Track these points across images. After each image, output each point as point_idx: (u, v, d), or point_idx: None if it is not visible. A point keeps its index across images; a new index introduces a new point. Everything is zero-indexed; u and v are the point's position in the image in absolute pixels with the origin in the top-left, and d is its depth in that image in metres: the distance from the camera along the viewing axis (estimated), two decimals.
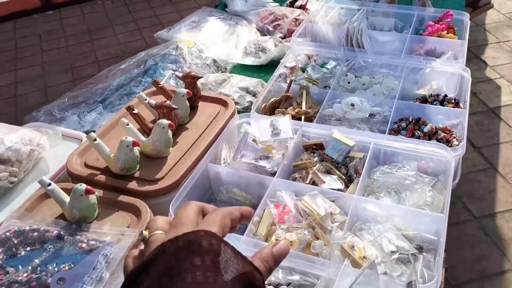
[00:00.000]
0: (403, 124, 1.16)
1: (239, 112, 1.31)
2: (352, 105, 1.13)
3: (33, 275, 0.77)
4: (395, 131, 1.14)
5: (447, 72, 1.30)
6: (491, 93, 2.72)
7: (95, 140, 0.98)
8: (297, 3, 1.86)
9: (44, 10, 3.97)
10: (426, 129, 1.13)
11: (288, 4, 1.89)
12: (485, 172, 2.27)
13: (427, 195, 0.94)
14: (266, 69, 1.58)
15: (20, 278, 0.76)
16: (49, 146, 1.10)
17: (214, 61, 1.57)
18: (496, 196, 2.15)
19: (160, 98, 1.17)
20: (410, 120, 1.17)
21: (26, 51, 3.46)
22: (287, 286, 0.79)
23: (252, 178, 1.01)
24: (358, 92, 1.24)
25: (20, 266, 0.78)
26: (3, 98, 2.97)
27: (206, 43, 1.64)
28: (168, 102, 1.05)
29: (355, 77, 1.27)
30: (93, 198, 0.87)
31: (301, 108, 1.18)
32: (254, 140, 1.07)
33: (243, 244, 0.83)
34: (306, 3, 1.85)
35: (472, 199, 2.12)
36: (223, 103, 1.18)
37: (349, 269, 0.74)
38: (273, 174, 1.01)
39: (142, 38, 3.44)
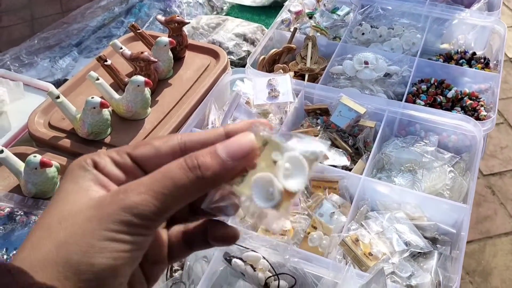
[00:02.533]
0: (424, 87, 1.00)
1: (233, 64, 1.14)
2: (366, 63, 0.96)
3: None
4: (414, 95, 0.98)
5: (477, 25, 1.11)
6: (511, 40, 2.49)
7: (58, 97, 0.82)
8: None
9: None
10: (450, 94, 0.97)
11: None
12: (497, 127, 2.12)
13: (447, 177, 0.80)
14: (268, 11, 1.38)
15: None
16: (10, 100, 0.94)
17: (209, 0, 1.37)
18: (508, 153, 2.02)
19: (141, 47, 1.00)
20: (432, 82, 1.00)
21: None
22: (278, 275, 0.67)
23: None
24: (374, 45, 1.06)
25: None
26: None
27: None
28: (146, 53, 0.87)
29: (371, 27, 1.08)
30: (51, 171, 0.73)
31: (305, 64, 1.01)
32: (247, 102, 0.91)
33: None
34: None
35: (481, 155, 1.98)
36: (214, 54, 1.01)
37: (352, 274, 0.61)
38: None
39: None
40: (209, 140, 0.28)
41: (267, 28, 1.25)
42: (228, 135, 0.27)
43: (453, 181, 0.80)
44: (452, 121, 0.86)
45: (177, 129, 0.86)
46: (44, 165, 0.71)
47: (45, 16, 2.80)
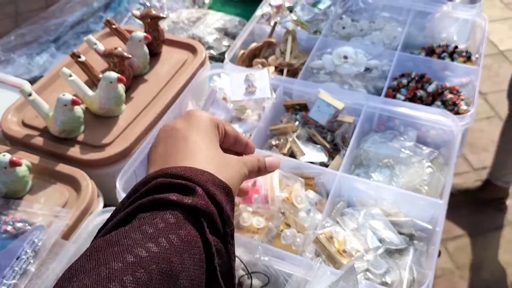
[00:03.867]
0: (404, 81, 0.99)
1: (214, 59, 1.13)
2: (345, 57, 0.95)
3: None
4: (394, 89, 0.97)
5: (459, 18, 1.10)
6: (503, 33, 2.48)
7: (30, 95, 0.80)
8: None
9: None
10: (430, 88, 0.96)
11: None
12: (488, 121, 2.12)
13: (424, 172, 0.80)
14: (251, 5, 1.36)
15: None
16: None
17: None
18: None
19: (117, 42, 0.98)
20: (413, 76, 0.99)
21: None
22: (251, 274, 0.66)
23: None
24: (354, 39, 1.05)
25: None
26: None
27: None
28: (119, 49, 0.86)
29: (352, 21, 1.07)
30: (21, 170, 0.72)
31: (284, 59, 0.99)
32: (224, 98, 0.90)
33: None
34: None
35: (473, 149, 1.98)
36: (192, 49, 1.00)
37: (324, 270, 0.61)
38: None
39: None
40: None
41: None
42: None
43: (430, 177, 0.79)
44: (431, 116, 0.85)
45: (152, 125, 0.85)
46: (13, 164, 0.69)
47: (29, 11, 2.76)
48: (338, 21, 1.06)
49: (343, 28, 1.05)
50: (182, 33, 1.19)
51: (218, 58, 1.14)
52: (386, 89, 0.94)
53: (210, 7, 1.36)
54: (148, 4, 1.27)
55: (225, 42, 1.17)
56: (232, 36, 1.19)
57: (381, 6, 1.09)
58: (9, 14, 2.76)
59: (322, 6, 1.10)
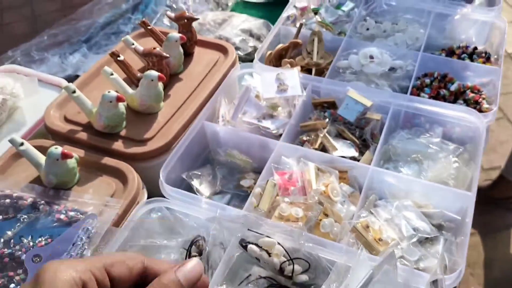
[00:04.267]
0: (427, 81, 1.03)
1: (240, 59, 1.17)
2: (371, 57, 0.99)
3: (5, 249, 0.67)
4: (418, 88, 1.01)
5: (478, 20, 1.14)
6: (510, 36, 2.53)
7: (74, 92, 0.85)
8: None
9: None
10: (452, 87, 1.00)
11: None
12: (497, 122, 2.16)
13: (451, 167, 0.83)
14: (272, 8, 1.41)
15: None
16: (25, 95, 0.96)
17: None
18: (507, 147, 2.05)
19: (151, 42, 1.02)
20: (435, 76, 1.03)
21: None
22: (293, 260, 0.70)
23: (254, 139, 0.89)
24: (378, 40, 1.09)
25: None
26: None
27: None
28: (158, 48, 0.90)
29: (375, 22, 1.11)
30: (71, 162, 0.76)
31: (311, 59, 1.03)
32: (257, 96, 0.94)
33: (242, 220, 0.73)
34: None
35: None
36: (223, 50, 1.04)
37: (364, 257, 0.64)
38: (277, 136, 0.89)
39: None
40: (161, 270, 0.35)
41: (272, 24, 1.28)
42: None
43: (457, 171, 0.83)
44: (456, 113, 0.89)
45: (189, 122, 0.89)
46: (65, 156, 0.73)
47: (46, 13, 2.81)
48: (362, 23, 1.10)
49: (367, 29, 1.09)
50: (208, 35, 1.23)
51: (245, 59, 1.18)
52: (411, 88, 0.98)
53: (232, 10, 1.41)
54: (174, 6, 1.31)
55: (251, 43, 1.21)
56: (257, 37, 1.23)
57: (403, 8, 1.13)
58: (25, 16, 2.81)
59: (345, 8, 1.15)
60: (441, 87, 1.00)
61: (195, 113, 0.90)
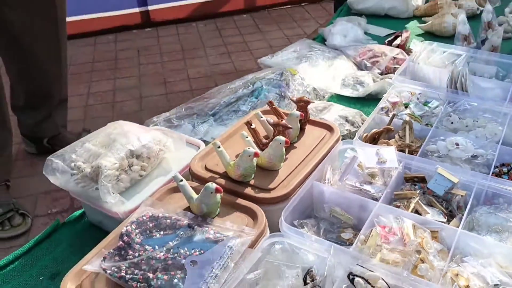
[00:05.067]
0: (505, 169, 1.19)
1: None
2: (457, 144, 1.18)
3: (169, 255, 0.88)
4: (497, 175, 1.17)
5: None
6: None
7: (219, 147, 1.10)
8: (395, 42, 1.94)
9: (144, 27, 4.33)
10: None
11: (386, 42, 1.97)
12: None
13: None
14: (363, 101, 1.66)
15: (158, 255, 0.87)
16: (174, 149, 1.23)
17: (314, 89, 1.68)
18: None
19: (271, 117, 1.28)
20: None
21: (125, 62, 3.78)
22: None
23: (355, 200, 1.08)
24: (461, 133, 1.28)
25: (156, 246, 0.90)
26: (102, 103, 3.26)
27: (306, 71, 1.76)
28: (284, 121, 1.15)
29: (459, 118, 1.31)
30: (218, 196, 0.98)
31: (404, 141, 1.24)
32: (359, 165, 1.14)
33: (349, 256, 0.89)
34: (404, 43, 1.92)
35: None
36: (329, 128, 1.27)
37: None
38: (375, 199, 1.07)
39: (230, 61, 3.65)
40: None
41: (364, 114, 1.52)
42: None
43: None
44: None
45: (303, 180, 1.10)
46: (217, 190, 0.96)
47: (151, 96, 3.29)
48: (447, 117, 1.31)
49: (451, 123, 1.30)
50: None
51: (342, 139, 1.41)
52: (491, 174, 1.14)
53: (328, 101, 1.68)
54: (283, 95, 1.60)
55: (347, 127, 1.44)
56: (351, 123, 1.47)
57: (483, 108, 1.34)
58: (134, 97, 3.29)
59: (432, 105, 1.37)
60: None
61: (307, 175, 1.12)
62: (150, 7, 4.24)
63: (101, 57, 3.86)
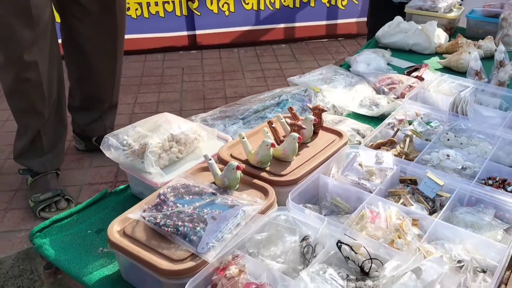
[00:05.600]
0: (490, 182, 1.36)
1: None
2: (448, 155, 1.37)
3: (195, 211, 1.11)
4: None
5: None
6: None
7: (243, 138, 1.33)
8: (414, 74, 2.15)
9: (190, 49, 4.70)
10: (510, 188, 1.31)
11: (406, 73, 2.18)
12: None
13: (498, 234, 1.13)
14: (376, 120, 1.86)
15: (186, 211, 1.10)
16: (207, 139, 1.48)
17: (334, 106, 1.90)
18: None
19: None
20: (497, 180, 1.36)
21: (170, 79, 4.12)
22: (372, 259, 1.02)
23: (353, 191, 1.28)
24: (455, 149, 1.46)
25: (185, 205, 1.13)
26: (146, 112, 3.58)
27: (329, 91, 1.99)
28: (300, 122, 1.38)
29: (454, 136, 1.50)
30: (238, 173, 1.21)
31: (402, 149, 1.44)
32: (360, 165, 1.34)
33: (339, 229, 1.09)
34: (421, 75, 2.13)
35: None
36: (339, 134, 1.49)
37: (420, 258, 0.96)
38: (370, 192, 1.27)
39: (265, 85, 3.93)
40: None
41: None
42: None
43: (501, 237, 1.12)
44: (508, 199, 1.20)
45: (311, 171, 1.31)
46: (238, 168, 1.19)
47: (190, 110, 3.59)
48: (445, 135, 1.49)
49: (448, 140, 1.48)
50: None
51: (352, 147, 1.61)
52: (474, 182, 1.31)
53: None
54: (305, 107, 1.82)
55: (357, 138, 1.65)
56: (362, 136, 1.67)
57: (478, 130, 1.52)
58: (175, 109, 3.59)
59: (433, 124, 1.56)
60: (499, 187, 1.32)
61: (315, 167, 1.33)
62: (197, 32, 4.61)
63: (149, 73, 4.23)
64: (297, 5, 4.68)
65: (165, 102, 3.73)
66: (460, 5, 2.76)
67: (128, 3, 4.25)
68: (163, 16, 4.46)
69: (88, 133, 3.06)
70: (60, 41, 2.60)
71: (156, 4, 4.39)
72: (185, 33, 4.63)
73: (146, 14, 4.41)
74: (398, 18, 2.57)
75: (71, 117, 2.99)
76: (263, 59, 4.47)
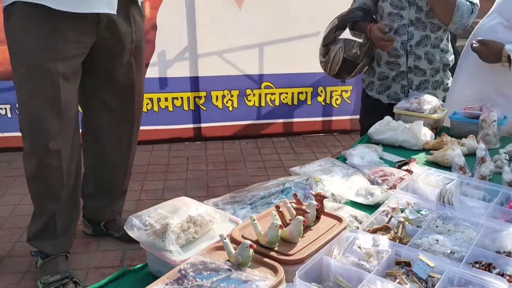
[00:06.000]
0: (477, 266, 1.50)
1: None
2: (437, 240, 1.52)
3: (213, 285, 1.24)
4: None
5: None
6: None
7: (254, 220, 1.50)
8: (404, 167, 2.37)
9: (194, 140, 5.00)
10: (494, 271, 1.45)
11: (397, 166, 2.41)
12: None
13: None
14: (371, 209, 2.04)
15: (205, 284, 1.23)
16: (220, 221, 1.64)
17: (333, 194, 2.08)
18: None
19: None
20: (483, 263, 1.50)
21: (175, 167, 4.35)
22: None
23: (354, 271, 1.41)
24: (444, 235, 1.62)
25: (204, 279, 1.26)
26: (152, 199, 3.74)
27: (328, 180, 2.19)
28: (304, 207, 1.55)
29: (442, 223, 1.66)
30: (251, 251, 1.35)
31: (396, 235, 1.59)
32: (359, 247, 1.50)
33: None
34: (411, 168, 2.35)
35: None
36: (339, 219, 1.65)
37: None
38: (369, 272, 1.40)
39: (266, 175, 4.15)
40: None
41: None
42: None
43: None
44: (494, 281, 1.34)
45: (316, 251, 1.46)
46: (251, 246, 1.34)
47: (194, 197, 3.75)
48: (434, 222, 1.66)
49: (437, 226, 1.65)
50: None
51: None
52: (462, 264, 1.46)
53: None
54: (307, 195, 2.01)
55: (355, 224, 1.81)
56: (359, 222, 1.84)
57: (463, 218, 1.69)
58: (180, 196, 3.75)
59: (423, 212, 1.74)
60: (485, 270, 1.46)
61: (318, 248, 1.48)
62: (202, 124, 4.95)
63: (155, 161, 4.47)
64: (295, 102, 5.08)
65: (170, 189, 3.91)
66: (443, 107, 3.08)
67: None
68: (171, 110, 4.82)
69: (98, 218, 3.19)
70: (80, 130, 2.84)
71: (166, 99, 4.77)
72: (191, 125, 4.96)
73: (156, 108, 4.77)
74: (387, 118, 2.85)
75: (83, 202, 3.15)
76: (263, 150, 4.75)
